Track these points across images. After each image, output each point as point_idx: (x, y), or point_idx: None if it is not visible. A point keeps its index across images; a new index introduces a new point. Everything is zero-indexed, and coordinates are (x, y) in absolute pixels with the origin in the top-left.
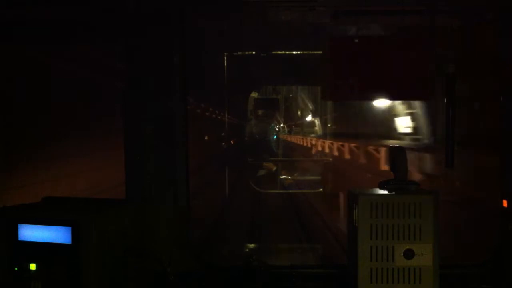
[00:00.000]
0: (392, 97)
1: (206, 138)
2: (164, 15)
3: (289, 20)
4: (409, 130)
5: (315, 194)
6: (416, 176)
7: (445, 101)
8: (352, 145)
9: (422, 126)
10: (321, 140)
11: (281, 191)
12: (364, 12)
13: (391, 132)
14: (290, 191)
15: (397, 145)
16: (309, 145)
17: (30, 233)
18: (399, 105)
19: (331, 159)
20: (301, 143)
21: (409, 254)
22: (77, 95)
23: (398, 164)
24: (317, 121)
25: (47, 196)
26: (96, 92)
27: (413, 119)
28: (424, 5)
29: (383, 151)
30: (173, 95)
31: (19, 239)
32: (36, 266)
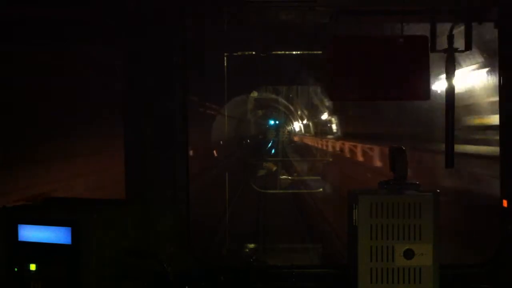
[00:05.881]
0: (392, 97)
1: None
2: (164, 15)
3: (289, 20)
4: None
5: None
6: None
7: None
8: None
9: None
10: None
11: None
12: (364, 12)
13: None
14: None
15: (397, 146)
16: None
17: (30, 233)
18: None
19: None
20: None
21: (409, 254)
22: None
23: (398, 164)
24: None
25: (47, 196)
26: None
27: None
28: (424, 5)
29: None
30: (173, 95)
31: (19, 239)
32: (36, 266)
